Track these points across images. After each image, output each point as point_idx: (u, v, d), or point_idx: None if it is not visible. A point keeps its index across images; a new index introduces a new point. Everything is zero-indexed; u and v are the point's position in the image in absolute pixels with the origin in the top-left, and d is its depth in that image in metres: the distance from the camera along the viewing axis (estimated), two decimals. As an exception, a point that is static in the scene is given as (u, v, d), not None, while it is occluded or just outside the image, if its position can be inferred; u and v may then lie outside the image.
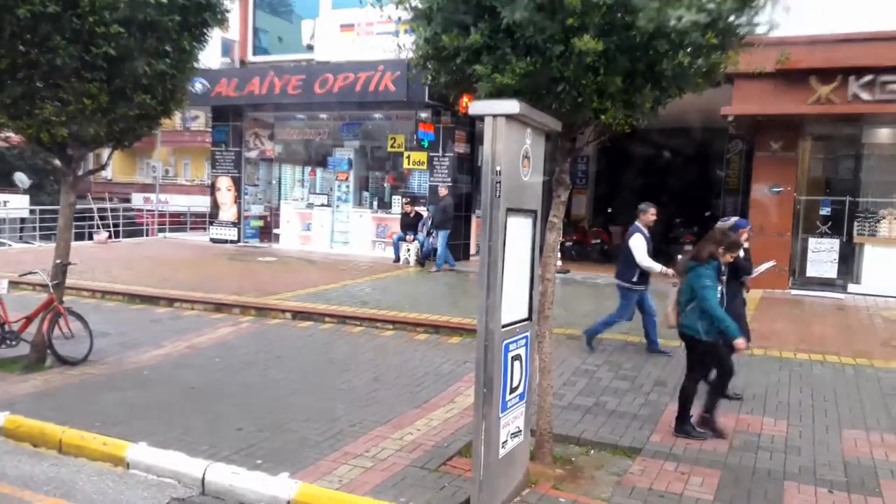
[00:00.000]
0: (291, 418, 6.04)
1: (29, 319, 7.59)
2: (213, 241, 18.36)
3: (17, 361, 7.54)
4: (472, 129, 16.20)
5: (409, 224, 15.59)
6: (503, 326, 4.30)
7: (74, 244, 19.25)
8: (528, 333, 4.71)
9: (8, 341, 7.59)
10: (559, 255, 14.96)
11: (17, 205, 30.42)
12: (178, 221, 27.20)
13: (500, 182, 4.17)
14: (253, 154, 18.29)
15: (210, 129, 19.96)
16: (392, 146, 16.67)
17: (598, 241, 17.28)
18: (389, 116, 16.82)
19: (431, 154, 15.77)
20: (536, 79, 4.82)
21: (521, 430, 4.66)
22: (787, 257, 12.91)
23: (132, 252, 16.60)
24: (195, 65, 7.50)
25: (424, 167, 16.12)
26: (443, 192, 15.27)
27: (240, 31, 17.26)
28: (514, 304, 4.49)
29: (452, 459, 5.23)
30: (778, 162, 12.88)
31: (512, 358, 4.44)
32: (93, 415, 5.95)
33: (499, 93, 4.83)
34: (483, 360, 4.22)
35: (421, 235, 15.34)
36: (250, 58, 17.77)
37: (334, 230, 17.39)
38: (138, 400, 6.44)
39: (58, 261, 7.55)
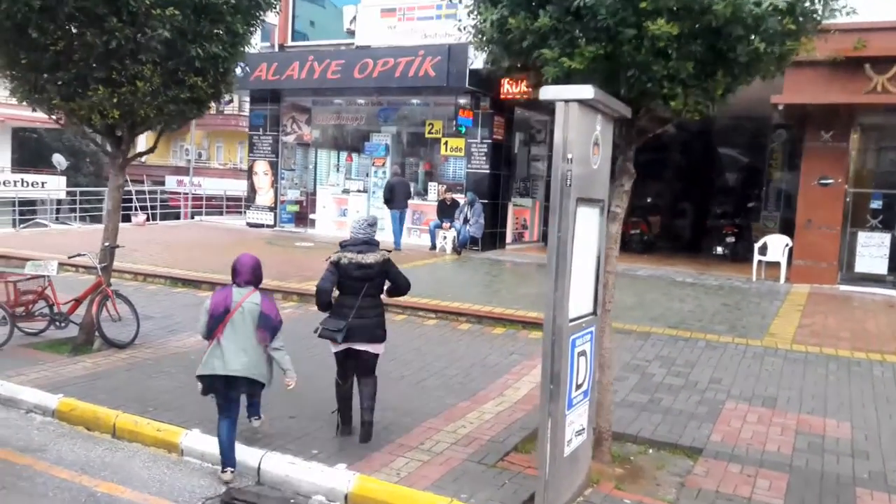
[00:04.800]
0: (342, 407, 5.98)
1: (78, 301, 7.63)
2: (250, 225, 18.39)
3: (65, 343, 7.59)
4: (510, 115, 16.01)
5: (446, 211, 15.46)
6: (570, 321, 4.16)
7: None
8: (593, 328, 4.58)
9: (57, 323, 7.65)
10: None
11: (54, 186, 30.87)
12: (211, 205, 27.36)
13: (571, 171, 4.03)
14: (290, 138, 18.25)
15: (243, 113, 20.04)
16: (430, 132, 16.52)
17: (638, 231, 16.95)
18: (427, 102, 16.67)
19: (469, 140, 15.59)
20: (606, 63, 4.66)
21: (584, 429, 4.53)
22: (837, 252, 12.55)
23: (170, 235, 16.70)
24: (245, 48, 7.42)
25: (462, 154, 15.95)
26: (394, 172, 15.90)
27: (280, 16, 17.17)
28: (580, 298, 4.35)
29: (509, 455, 5.12)
30: (829, 153, 12.49)
31: (578, 354, 4.31)
32: (144, 399, 5.94)
33: (566, 77, 4.68)
34: (550, 356, 4.10)
35: (457, 223, 15.19)
36: (289, 42, 17.70)
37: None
38: (188, 385, 6.39)
39: (106, 243, 7.56)
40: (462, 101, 15.43)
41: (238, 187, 31.20)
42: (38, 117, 33.80)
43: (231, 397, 4.83)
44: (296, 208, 18.56)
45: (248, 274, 4.97)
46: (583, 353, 4.39)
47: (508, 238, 16.75)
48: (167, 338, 8.01)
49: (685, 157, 19.12)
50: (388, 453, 5.04)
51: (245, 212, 19.23)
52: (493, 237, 15.95)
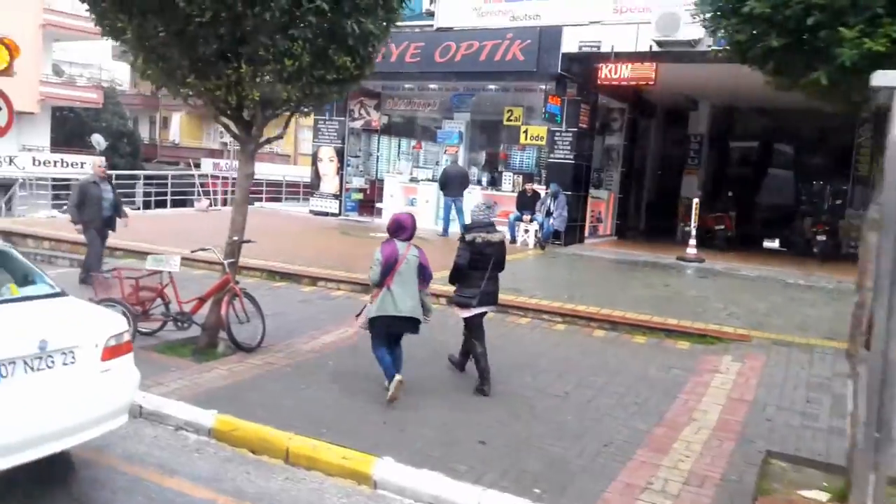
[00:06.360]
0: (527, 429, 5.34)
1: (202, 301, 6.99)
2: (314, 213, 17.72)
3: (185, 345, 6.99)
4: (594, 103, 15.22)
5: (527, 203, 14.72)
6: (895, 355, 3.46)
7: (174, 211, 18.72)
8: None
9: (179, 323, 7.02)
10: (693, 242, 13.99)
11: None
12: (257, 191, 26.57)
13: (914, 175, 3.31)
14: (357, 124, 17.52)
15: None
16: (509, 119, 15.75)
17: (722, 227, 16.14)
18: (507, 88, 15.87)
19: (553, 129, 14.79)
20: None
21: (880, 477, 3.84)
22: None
23: (235, 222, 16.06)
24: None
25: (543, 143, 15.18)
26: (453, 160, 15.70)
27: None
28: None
29: (759, 501, 4.43)
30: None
31: (892, 393, 3.61)
32: (310, 417, 5.30)
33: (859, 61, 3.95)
34: (878, 399, 3.40)
35: (539, 216, 14.45)
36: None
37: (440, 206, 16.56)
38: (349, 399, 5.77)
39: (234, 237, 6.91)
40: (547, 87, 14.61)
41: (276, 172, 30.51)
42: (75, 96, 33.09)
43: (396, 333, 5.88)
44: (360, 196, 17.88)
45: (412, 230, 5.84)
46: (893, 392, 3.68)
47: (587, 231, 15.99)
48: (291, 340, 7.38)
49: (763, 151, 18.26)
50: (621, 495, 4.37)
51: (305, 199, 18.55)
52: (572, 231, 15.19)
